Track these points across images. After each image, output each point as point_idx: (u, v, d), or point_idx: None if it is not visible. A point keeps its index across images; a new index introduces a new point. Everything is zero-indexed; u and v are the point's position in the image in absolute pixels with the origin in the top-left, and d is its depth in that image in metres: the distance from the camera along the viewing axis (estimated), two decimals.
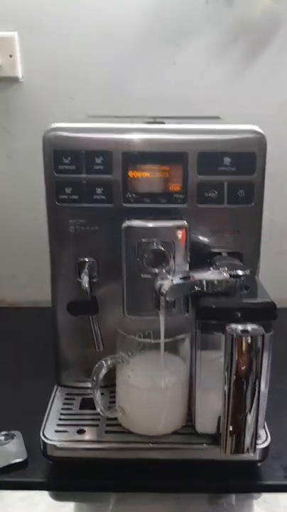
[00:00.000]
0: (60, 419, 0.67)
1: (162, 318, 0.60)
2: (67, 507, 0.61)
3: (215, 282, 0.59)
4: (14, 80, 1.00)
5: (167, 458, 0.62)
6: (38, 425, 0.66)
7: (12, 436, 0.69)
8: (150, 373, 0.62)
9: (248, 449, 0.56)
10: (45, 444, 0.63)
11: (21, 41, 0.99)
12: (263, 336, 0.53)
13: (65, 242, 0.67)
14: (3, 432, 0.69)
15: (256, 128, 0.65)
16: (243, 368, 0.54)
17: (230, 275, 0.60)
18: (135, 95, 1.02)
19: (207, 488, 0.62)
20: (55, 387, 0.74)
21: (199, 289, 0.59)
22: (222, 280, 0.59)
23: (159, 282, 0.59)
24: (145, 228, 0.61)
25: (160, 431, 0.63)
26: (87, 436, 0.64)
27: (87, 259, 0.68)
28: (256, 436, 0.57)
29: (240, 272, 0.60)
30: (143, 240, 0.61)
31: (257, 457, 0.62)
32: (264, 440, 0.63)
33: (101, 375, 0.60)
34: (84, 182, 0.65)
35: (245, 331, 0.54)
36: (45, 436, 0.63)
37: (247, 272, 0.61)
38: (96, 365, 0.61)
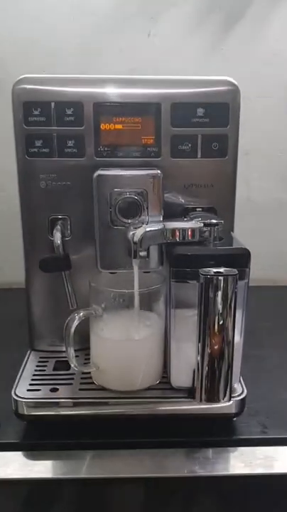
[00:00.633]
0: (32, 380, 0.65)
1: (135, 268, 0.59)
2: (40, 465, 0.59)
3: (189, 231, 0.58)
4: None
5: (141, 413, 0.61)
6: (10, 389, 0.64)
7: None
8: (124, 325, 0.61)
9: (223, 397, 0.55)
10: (16, 402, 0.61)
11: None
12: (236, 276, 0.52)
13: (35, 198, 0.66)
14: None
15: (230, 79, 0.65)
16: (216, 310, 0.53)
17: (204, 224, 0.59)
18: (109, 68, 1.01)
19: (184, 443, 0.61)
20: (28, 351, 0.72)
21: (173, 239, 0.59)
22: (196, 228, 0.58)
23: (132, 232, 0.58)
24: (118, 177, 0.60)
25: (134, 386, 0.62)
26: (60, 394, 0.62)
27: (59, 216, 0.66)
28: (230, 384, 0.56)
29: (214, 221, 0.59)
30: (116, 190, 0.60)
31: (233, 410, 0.60)
32: (240, 393, 0.62)
33: (73, 328, 0.59)
34: (55, 134, 0.63)
35: (219, 273, 0.53)
36: (16, 395, 0.61)
37: (221, 221, 0.60)
38: (69, 318, 0.59)
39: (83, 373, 0.65)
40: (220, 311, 0.53)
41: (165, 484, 0.58)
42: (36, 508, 0.60)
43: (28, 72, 0.99)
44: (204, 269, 0.54)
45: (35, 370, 0.67)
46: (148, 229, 0.57)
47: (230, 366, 0.55)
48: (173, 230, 0.58)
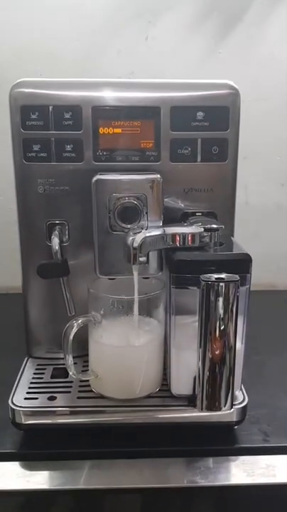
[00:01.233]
0: (30, 388, 0.64)
1: (135, 274, 0.58)
2: (38, 476, 0.58)
3: (189, 236, 0.58)
4: None
5: (141, 422, 0.60)
6: (7, 398, 0.63)
7: None
8: (124, 332, 0.60)
9: (224, 404, 0.54)
10: (13, 411, 0.60)
11: None
12: (238, 282, 0.51)
13: (33, 203, 0.65)
14: None
15: (230, 83, 0.64)
16: (218, 317, 0.52)
17: (204, 229, 0.58)
18: (106, 72, 1.01)
19: (184, 452, 0.60)
20: (26, 358, 0.71)
21: (173, 244, 0.58)
22: (197, 233, 0.57)
23: (131, 237, 0.57)
24: (117, 181, 0.59)
25: (134, 394, 0.61)
26: (58, 403, 0.61)
27: (57, 221, 0.65)
28: (232, 392, 0.55)
29: (214, 226, 0.58)
30: (115, 194, 0.59)
31: (234, 418, 0.59)
32: (241, 401, 0.61)
33: (71, 335, 0.58)
34: (53, 139, 0.62)
35: (220, 278, 0.52)
36: (13, 404, 0.60)
37: (222, 226, 0.59)
38: (67, 325, 0.58)
39: (81, 381, 0.64)
40: (221, 318, 0.52)
41: (165, 495, 0.57)
42: None
43: (25, 76, 0.99)
44: (205, 275, 0.53)
45: (33, 378, 0.66)
46: (147, 234, 0.56)
47: (232, 374, 0.54)
48: (173, 235, 0.57)
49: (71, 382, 0.65)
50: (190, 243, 0.58)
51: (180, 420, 0.60)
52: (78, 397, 0.62)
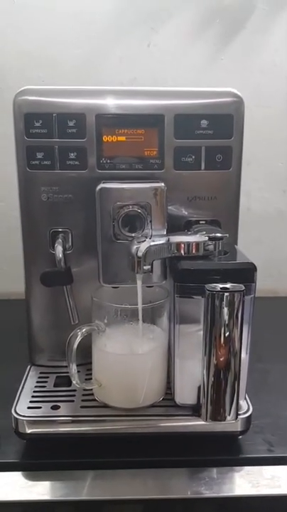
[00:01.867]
0: (33, 397, 0.63)
1: (139, 283, 0.58)
2: (40, 486, 0.57)
3: (193, 245, 0.57)
4: None
5: (145, 431, 0.59)
6: (10, 407, 0.62)
7: None
8: (128, 340, 0.59)
9: (229, 414, 0.54)
10: (16, 420, 0.59)
11: None
12: (243, 292, 0.51)
13: (37, 211, 0.65)
14: None
15: (234, 91, 0.64)
16: (223, 327, 0.51)
17: (209, 238, 0.58)
18: (109, 78, 1.01)
19: (188, 462, 0.59)
20: (29, 366, 0.70)
21: (177, 253, 0.57)
22: (201, 242, 0.57)
23: (135, 246, 0.57)
24: (121, 190, 0.59)
25: (138, 403, 0.60)
26: (61, 412, 0.60)
27: (60, 229, 0.65)
28: (237, 402, 0.55)
29: (219, 234, 0.58)
30: (119, 203, 0.59)
31: (239, 428, 0.59)
32: (246, 410, 0.60)
33: (75, 344, 0.57)
34: (57, 147, 0.62)
35: (225, 288, 0.51)
36: (16, 413, 0.59)
37: (226, 235, 0.59)
38: (71, 334, 0.58)
39: (85, 390, 0.64)
40: (226, 328, 0.52)
41: (169, 506, 0.57)
42: None
43: (27, 82, 0.99)
44: (210, 284, 0.52)
45: (36, 387, 0.66)
46: (152, 243, 0.56)
47: (237, 384, 0.53)
48: (178, 244, 0.56)
49: (74, 390, 0.64)
50: (194, 252, 0.58)
51: (184, 430, 0.59)
52: (81, 407, 0.61)
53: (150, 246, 0.56)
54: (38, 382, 0.67)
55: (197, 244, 0.58)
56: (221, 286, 0.52)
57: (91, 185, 0.62)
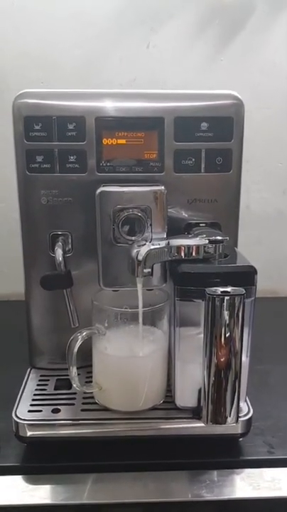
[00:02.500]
0: (33, 400, 0.63)
1: (139, 286, 0.58)
2: (41, 490, 0.57)
3: (194, 248, 0.57)
4: None
5: (147, 434, 0.59)
6: (8, 410, 0.62)
7: None
8: (128, 342, 0.59)
9: (230, 417, 0.54)
10: (17, 424, 0.59)
11: None
12: (243, 295, 0.51)
13: (36, 215, 0.65)
14: None
15: (234, 93, 0.64)
16: (223, 330, 0.52)
17: (209, 241, 0.58)
18: (108, 79, 1.00)
19: (189, 465, 0.59)
20: (29, 369, 0.70)
21: (178, 256, 0.57)
22: (201, 245, 0.57)
23: (136, 250, 0.57)
24: (121, 193, 0.59)
25: (138, 406, 0.60)
26: (62, 415, 0.60)
27: (60, 232, 0.65)
28: (237, 405, 0.55)
29: (219, 237, 0.58)
30: (119, 206, 0.59)
31: (239, 430, 0.59)
32: (246, 413, 0.60)
33: (76, 348, 0.57)
34: (56, 150, 0.62)
35: (225, 292, 0.51)
36: (17, 416, 0.60)
37: (227, 238, 0.59)
38: (71, 338, 0.58)
39: (85, 392, 0.64)
40: (227, 331, 0.52)
41: (170, 509, 0.57)
42: None
43: (27, 83, 0.99)
44: (211, 288, 0.52)
45: (36, 390, 0.66)
46: (152, 247, 0.56)
47: (237, 387, 0.53)
48: (178, 248, 0.56)
49: (74, 393, 0.64)
50: (194, 255, 0.58)
51: (184, 432, 0.60)
52: (82, 410, 0.61)
53: (151, 250, 0.56)
54: (38, 385, 0.67)
55: (198, 247, 0.58)
56: (221, 289, 0.52)
57: (90, 188, 0.62)
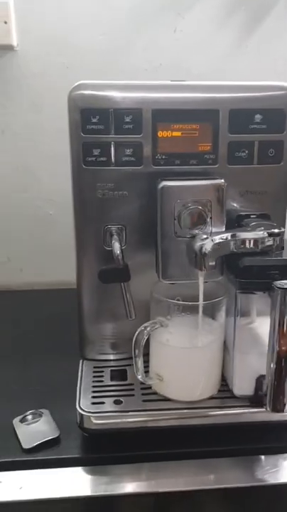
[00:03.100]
0: (93, 392, 0.64)
1: (201, 279, 0.59)
2: (105, 478, 0.58)
3: (255, 241, 0.58)
4: (9, 47, 0.96)
5: (211, 423, 0.61)
6: (64, 402, 0.64)
7: (40, 415, 0.66)
8: (189, 334, 0.61)
9: None
10: (81, 416, 0.60)
11: (16, 8, 0.94)
12: None
13: (91, 208, 0.65)
14: (30, 411, 0.66)
15: (286, 84, 0.64)
16: None
17: (268, 234, 0.59)
18: (133, 64, 0.99)
19: (249, 451, 0.61)
20: (81, 361, 0.71)
21: (243, 249, 0.58)
22: (261, 238, 0.58)
23: (199, 243, 0.58)
24: (183, 188, 0.59)
25: (197, 395, 0.62)
26: (125, 406, 0.61)
27: (114, 226, 0.65)
28: None
29: (276, 230, 0.59)
30: (180, 201, 0.59)
31: None
32: None
33: (143, 342, 0.59)
34: (113, 143, 0.62)
35: None
36: (82, 409, 0.60)
37: (283, 230, 0.60)
38: (137, 333, 0.59)
39: (141, 383, 0.65)
40: None
41: (236, 495, 0.59)
42: None
43: (50, 69, 0.98)
44: (281, 281, 0.54)
45: (93, 381, 0.66)
46: (217, 241, 0.57)
47: None
48: (243, 241, 0.57)
49: (131, 384, 0.66)
50: (253, 247, 0.59)
51: (246, 420, 0.61)
52: (143, 400, 0.63)
53: (216, 243, 0.57)
54: (94, 376, 0.67)
55: (256, 240, 0.59)
56: None
57: (146, 181, 0.63)
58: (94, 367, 0.70)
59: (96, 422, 0.60)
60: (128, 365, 0.70)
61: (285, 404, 0.57)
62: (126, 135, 0.62)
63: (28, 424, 0.65)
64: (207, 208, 0.59)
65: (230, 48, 1.01)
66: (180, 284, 0.63)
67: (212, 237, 0.58)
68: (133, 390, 0.65)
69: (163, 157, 0.63)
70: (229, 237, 0.58)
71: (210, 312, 0.62)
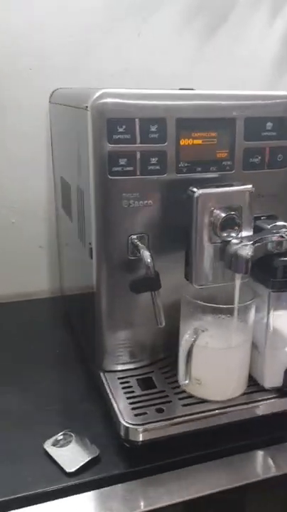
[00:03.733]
0: (130, 404, 0.63)
1: (238, 282, 0.61)
2: (162, 489, 0.59)
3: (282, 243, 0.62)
4: None
5: (254, 416, 0.64)
6: (87, 418, 0.65)
7: (70, 435, 0.64)
8: (224, 335, 0.63)
9: None
10: (127, 429, 0.59)
11: None
12: None
13: (115, 219, 0.63)
14: (61, 433, 0.64)
15: None
16: None
17: None
18: (98, 67, 0.98)
19: None
20: (102, 374, 0.70)
21: (270, 251, 0.62)
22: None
23: (234, 247, 0.60)
24: (217, 194, 0.61)
25: (232, 394, 0.65)
26: (168, 414, 0.62)
27: (138, 235, 0.65)
28: None
29: None
30: (215, 207, 0.61)
31: None
32: None
33: (188, 349, 0.60)
34: (139, 152, 0.61)
35: None
36: (128, 422, 0.60)
37: None
38: (183, 341, 0.61)
39: (173, 388, 0.66)
40: None
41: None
42: None
43: (14, 71, 0.93)
44: None
45: (124, 393, 0.66)
46: (256, 244, 0.59)
47: None
48: (278, 243, 0.60)
49: (163, 391, 0.66)
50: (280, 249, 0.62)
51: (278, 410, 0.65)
52: (183, 405, 0.63)
53: (255, 246, 0.59)
54: (123, 388, 0.67)
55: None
56: None
57: (169, 189, 0.63)
58: (119, 378, 0.69)
59: (143, 433, 0.59)
60: (150, 372, 0.70)
61: None
62: (151, 144, 0.62)
63: (62, 447, 0.63)
64: (239, 213, 0.62)
65: (194, 52, 1.03)
66: (205, 288, 0.64)
67: (249, 241, 0.60)
68: (167, 396, 0.65)
69: (185, 165, 0.64)
70: (267, 239, 0.61)
71: (243, 314, 0.64)
